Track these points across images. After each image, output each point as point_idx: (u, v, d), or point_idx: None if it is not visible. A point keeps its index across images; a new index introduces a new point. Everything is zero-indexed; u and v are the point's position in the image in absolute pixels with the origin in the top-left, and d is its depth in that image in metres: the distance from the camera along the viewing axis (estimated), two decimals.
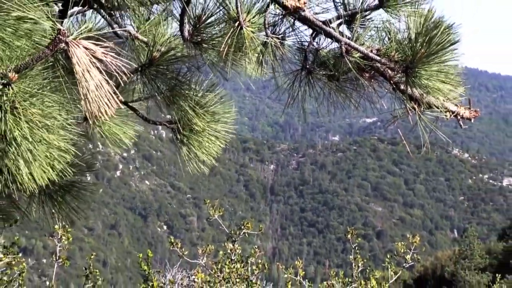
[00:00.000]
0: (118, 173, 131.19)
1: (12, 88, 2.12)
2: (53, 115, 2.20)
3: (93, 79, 2.01)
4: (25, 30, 2.10)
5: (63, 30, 1.99)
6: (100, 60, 2.03)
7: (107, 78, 2.05)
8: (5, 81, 2.08)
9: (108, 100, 2.05)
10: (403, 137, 2.91)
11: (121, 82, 2.07)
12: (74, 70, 2.01)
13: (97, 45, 2.03)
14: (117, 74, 2.05)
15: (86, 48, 2.01)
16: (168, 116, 3.50)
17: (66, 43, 2.00)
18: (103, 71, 2.04)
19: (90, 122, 3.31)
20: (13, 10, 2.04)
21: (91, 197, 3.66)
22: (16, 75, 2.07)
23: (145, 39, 3.25)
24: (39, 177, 2.30)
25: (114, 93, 2.07)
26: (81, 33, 2.04)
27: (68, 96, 2.23)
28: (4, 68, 2.10)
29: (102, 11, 3.30)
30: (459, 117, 2.83)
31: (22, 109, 2.16)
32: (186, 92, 3.35)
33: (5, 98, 2.14)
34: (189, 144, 3.47)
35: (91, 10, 3.31)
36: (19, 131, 2.17)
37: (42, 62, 2.10)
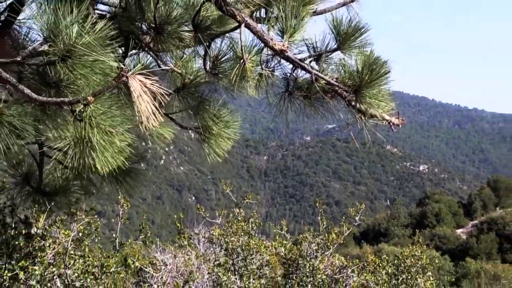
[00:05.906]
0: (162, 161, 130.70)
1: (90, 107, 2.15)
2: (117, 125, 2.22)
3: (144, 101, 2.02)
4: (99, 68, 2.11)
5: (125, 68, 2.00)
6: (149, 88, 2.03)
7: (154, 102, 2.06)
8: (85, 103, 2.10)
9: (154, 115, 2.06)
10: (353, 137, 2.90)
11: (163, 103, 2.09)
12: (131, 95, 2.03)
13: (147, 78, 2.04)
14: (160, 97, 2.06)
15: (140, 80, 2.01)
16: (195, 124, 3.48)
17: (126, 77, 2.00)
18: (150, 96, 2.05)
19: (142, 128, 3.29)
20: (90, 55, 2.05)
21: (143, 177, 3.65)
22: (93, 98, 2.08)
23: (180, 71, 3.24)
24: (106, 166, 2.31)
25: (158, 110, 2.08)
26: (136, 70, 2.05)
27: (128, 112, 2.25)
28: (85, 94, 2.12)
29: (151, 52, 3.28)
30: (391, 124, 2.81)
31: (97, 121, 2.17)
32: (207, 107, 3.34)
33: (85, 114, 2.18)
34: (209, 143, 3.45)
35: (143, 52, 3.30)
36: (94, 136, 2.18)
37: (110, 89, 2.10)
